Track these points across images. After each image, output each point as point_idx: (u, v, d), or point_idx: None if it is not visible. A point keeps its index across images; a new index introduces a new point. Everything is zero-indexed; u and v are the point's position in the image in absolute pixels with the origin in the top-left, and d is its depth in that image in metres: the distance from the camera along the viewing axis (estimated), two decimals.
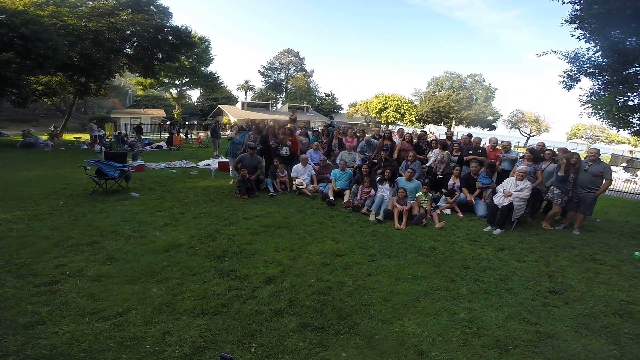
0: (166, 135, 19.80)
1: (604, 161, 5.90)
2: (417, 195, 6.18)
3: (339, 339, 2.63)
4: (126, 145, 14.81)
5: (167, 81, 35.83)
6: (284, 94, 57.90)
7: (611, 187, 11.03)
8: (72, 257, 3.79)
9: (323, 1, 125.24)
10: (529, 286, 3.70)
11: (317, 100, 52.26)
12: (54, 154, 13.47)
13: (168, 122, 30.02)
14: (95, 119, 22.77)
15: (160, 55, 20.64)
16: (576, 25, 7.63)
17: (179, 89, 40.57)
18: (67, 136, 20.44)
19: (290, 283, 3.43)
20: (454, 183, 6.88)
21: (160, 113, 36.95)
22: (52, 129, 18.94)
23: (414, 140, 8.27)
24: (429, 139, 8.54)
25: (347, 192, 6.80)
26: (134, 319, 2.73)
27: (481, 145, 7.48)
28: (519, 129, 41.54)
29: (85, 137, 18.54)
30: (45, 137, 16.64)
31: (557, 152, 6.45)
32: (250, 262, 3.87)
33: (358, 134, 8.66)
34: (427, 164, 7.54)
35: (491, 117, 37.90)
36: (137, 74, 25.18)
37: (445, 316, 3.02)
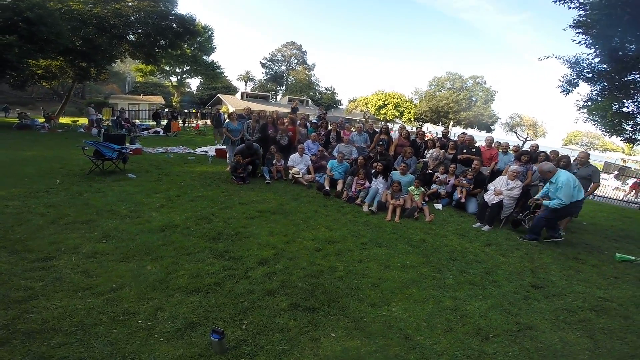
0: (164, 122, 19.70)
1: (593, 165, 6.02)
2: (409, 189, 6.30)
3: (328, 320, 2.72)
4: (123, 130, 14.76)
5: (167, 68, 35.44)
6: (284, 87, 57.63)
7: (600, 193, 11.27)
8: (67, 234, 3.82)
9: None
10: (512, 280, 3.83)
11: (317, 94, 52.08)
12: (50, 135, 13.40)
13: (166, 110, 29.86)
14: (93, 103, 22.54)
15: (162, 43, 20.49)
16: (580, 30, 7.63)
17: (179, 77, 40.20)
18: (64, 120, 20.27)
19: (283, 265, 3.52)
20: (450, 180, 7.01)
21: (159, 100, 36.72)
22: (46, 113, 18.78)
23: (412, 136, 8.37)
24: (426, 138, 8.62)
25: (340, 182, 6.89)
26: (127, 295, 2.78)
27: (476, 145, 7.59)
28: (516, 133, 41.75)
29: (83, 121, 18.42)
30: (41, 120, 16.50)
31: (551, 156, 6.56)
32: (245, 245, 3.94)
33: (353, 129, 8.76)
34: (423, 160, 7.66)
35: (490, 120, 38.03)
36: (138, 61, 24.94)
37: (431, 303, 3.13)
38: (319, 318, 2.73)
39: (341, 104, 50.94)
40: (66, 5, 15.26)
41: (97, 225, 4.13)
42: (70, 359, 2.09)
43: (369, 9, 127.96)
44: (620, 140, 9.76)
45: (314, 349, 2.37)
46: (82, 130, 15.81)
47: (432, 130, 34.48)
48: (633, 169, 21.60)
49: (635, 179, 13.83)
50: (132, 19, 17.98)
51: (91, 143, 7.03)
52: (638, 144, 9.09)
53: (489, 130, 38.37)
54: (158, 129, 17.02)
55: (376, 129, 8.77)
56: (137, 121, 20.14)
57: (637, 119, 8.57)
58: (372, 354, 2.40)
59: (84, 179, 6.22)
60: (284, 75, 57.95)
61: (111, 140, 7.39)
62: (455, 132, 28.02)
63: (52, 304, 2.59)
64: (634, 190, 12.90)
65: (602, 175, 14.37)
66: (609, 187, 12.68)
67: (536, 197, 5.37)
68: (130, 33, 19.27)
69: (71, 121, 19.72)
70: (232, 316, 2.63)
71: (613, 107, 8.50)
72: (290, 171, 7.47)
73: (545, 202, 5.06)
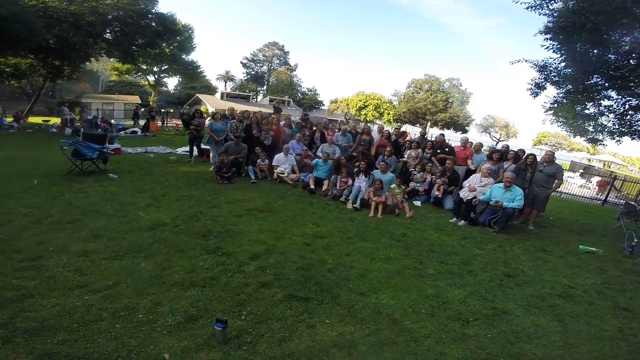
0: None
1: (558, 163, 6.49)
2: (391, 186, 6.58)
3: (322, 308, 2.90)
4: (99, 129, 14.33)
5: (145, 67, 34.42)
6: (265, 87, 57.19)
7: (566, 190, 12.03)
8: (54, 234, 3.78)
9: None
10: (487, 270, 4.14)
11: (299, 94, 52.07)
12: (20, 135, 12.86)
13: (142, 109, 29.04)
14: (66, 102, 21.60)
15: (141, 41, 19.95)
16: (548, 36, 8.02)
17: (156, 76, 39.09)
18: (34, 119, 19.39)
19: (275, 260, 3.66)
20: (427, 178, 7.34)
21: (135, 99, 35.64)
22: (15, 112, 17.92)
23: (393, 137, 8.67)
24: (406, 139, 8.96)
25: (325, 182, 7.09)
26: (124, 291, 2.82)
27: (450, 145, 8.01)
28: (489, 134, 43.54)
29: (55, 120, 17.71)
30: (9, 119, 15.75)
31: (519, 154, 7.02)
32: (236, 241, 4.05)
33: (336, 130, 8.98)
34: (402, 159, 7.99)
35: (465, 121, 39.44)
36: (113, 59, 24.13)
37: (415, 291, 3.36)
38: (313, 307, 2.89)
39: (323, 105, 51.14)
40: (41, 2, 14.62)
41: (84, 225, 4.10)
42: (76, 355, 2.13)
43: (350, 9, 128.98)
44: (584, 140, 10.43)
45: (311, 335, 2.54)
46: (55, 130, 15.23)
47: (410, 132, 35.36)
48: (597, 168, 23.05)
49: (600, 178, 14.77)
50: (110, 17, 17.38)
51: (70, 142, 6.87)
52: (600, 144, 9.72)
53: (465, 131, 39.73)
54: (135, 129, 16.61)
55: (358, 130, 9.03)
56: (113, 121, 19.55)
57: (598, 120, 9.20)
58: (365, 337, 2.59)
59: (63, 180, 6.08)
60: (265, 75, 57.46)
61: (91, 139, 7.24)
62: (433, 133, 28.90)
63: (48, 302, 2.60)
64: (597, 187, 13.79)
65: (569, 173, 15.32)
66: (575, 185, 13.48)
67: (482, 199, 6.00)
68: (108, 31, 18.65)
69: (42, 120, 18.91)
70: (230, 308, 2.75)
71: (577, 109, 9.09)
72: (275, 170, 7.57)
73: (507, 203, 5.71)
